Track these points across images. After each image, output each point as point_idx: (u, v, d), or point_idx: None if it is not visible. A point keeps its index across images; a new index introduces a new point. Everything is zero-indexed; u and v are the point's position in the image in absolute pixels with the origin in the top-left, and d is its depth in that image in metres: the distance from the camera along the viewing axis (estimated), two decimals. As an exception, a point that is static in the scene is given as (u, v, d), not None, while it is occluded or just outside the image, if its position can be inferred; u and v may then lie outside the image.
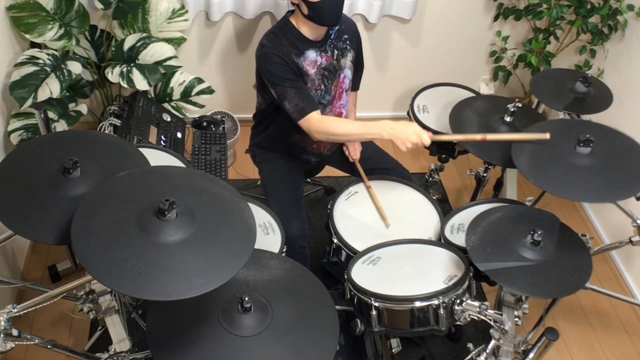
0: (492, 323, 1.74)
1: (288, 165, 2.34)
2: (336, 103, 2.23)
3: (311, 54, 2.09)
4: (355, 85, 2.40)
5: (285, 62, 2.02)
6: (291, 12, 2.12)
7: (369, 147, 2.43)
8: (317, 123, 2.03)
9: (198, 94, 2.80)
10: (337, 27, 2.16)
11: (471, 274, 1.83)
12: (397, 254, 1.95)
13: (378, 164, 2.37)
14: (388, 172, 2.33)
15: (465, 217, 2.06)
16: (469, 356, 1.83)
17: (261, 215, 2.10)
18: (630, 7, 2.75)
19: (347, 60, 2.21)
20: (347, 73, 2.23)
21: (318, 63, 2.11)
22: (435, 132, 1.93)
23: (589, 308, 2.67)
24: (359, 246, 2.00)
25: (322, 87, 2.15)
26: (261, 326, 1.46)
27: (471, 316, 1.77)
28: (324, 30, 2.11)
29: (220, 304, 1.49)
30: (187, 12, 2.72)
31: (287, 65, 2.02)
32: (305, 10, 1.99)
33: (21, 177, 1.53)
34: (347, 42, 2.20)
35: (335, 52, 2.16)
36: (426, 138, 1.91)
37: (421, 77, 3.19)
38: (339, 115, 2.27)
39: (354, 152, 2.35)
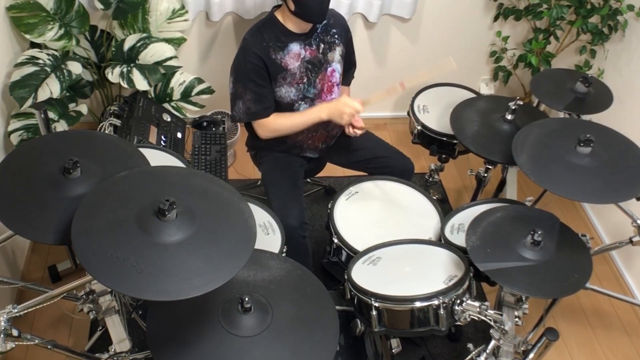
0: (492, 323, 1.74)
1: (288, 158, 2.35)
2: (326, 97, 2.24)
3: (295, 47, 2.13)
4: (345, 80, 2.40)
5: (262, 60, 2.08)
6: (277, 6, 2.15)
7: (368, 138, 2.43)
8: (264, 126, 2.20)
9: (198, 94, 2.80)
10: (324, 21, 2.17)
11: (471, 274, 1.83)
12: (397, 254, 1.94)
13: (377, 153, 2.37)
14: (388, 161, 2.33)
15: (465, 217, 2.06)
16: (469, 356, 1.83)
17: (261, 215, 2.10)
18: (630, 7, 2.75)
19: (336, 54, 2.22)
20: (337, 67, 2.24)
21: (302, 56, 2.14)
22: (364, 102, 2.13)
23: (589, 308, 2.67)
24: (359, 246, 2.00)
25: (305, 80, 2.17)
26: (261, 326, 1.46)
27: (471, 316, 1.77)
28: (309, 25, 2.14)
29: (221, 304, 1.49)
30: (187, 12, 2.72)
31: (260, 65, 2.08)
32: (292, 6, 2.03)
33: (21, 177, 1.53)
34: (336, 36, 2.21)
35: (322, 45, 2.18)
36: (357, 105, 2.09)
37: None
38: None
39: (357, 122, 2.22)
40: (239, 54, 2.13)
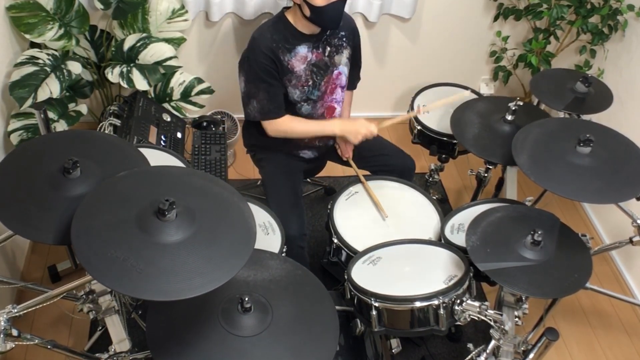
0: (492, 323, 1.74)
1: (289, 163, 2.34)
2: (327, 98, 2.24)
3: (302, 50, 2.12)
4: (351, 84, 2.39)
5: (272, 60, 2.07)
6: (287, 7, 2.14)
7: None
8: (276, 126, 2.18)
9: (198, 94, 2.80)
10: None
11: (471, 274, 1.83)
12: (397, 254, 1.94)
13: (378, 151, 2.37)
14: (388, 159, 2.32)
15: (465, 217, 2.06)
16: (469, 356, 1.83)
17: (261, 215, 2.10)
18: (631, 7, 2.75)
19: (343, 57, 2.22)
20: (343, 70, 2.24)
21: (308, 59, 2.14)
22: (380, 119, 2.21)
23: (589, 308, 2.67)
24: (359, 246, 2.00)
25: (310, 82, 2.16)
26: (261, 326, 1.46)
27: (471, 316, 1.77)
28: (320, 28, 2.12)
29: (221, 304, 1.49)
30: (187, 12, 2.72)
31: (271, 65, 2.07)
32: (307, 12, 2.02)
33: (21, 177, 1.53)
34: (344, 39, 2.21)
35: (328, 48, 2.17)
36: (373, 128, 2.16)
37: (421, 77, 3.18)
38: (332, 109, 2.28)
39: (346, 151, 2.35)
40: (249, 54, 2.10)
